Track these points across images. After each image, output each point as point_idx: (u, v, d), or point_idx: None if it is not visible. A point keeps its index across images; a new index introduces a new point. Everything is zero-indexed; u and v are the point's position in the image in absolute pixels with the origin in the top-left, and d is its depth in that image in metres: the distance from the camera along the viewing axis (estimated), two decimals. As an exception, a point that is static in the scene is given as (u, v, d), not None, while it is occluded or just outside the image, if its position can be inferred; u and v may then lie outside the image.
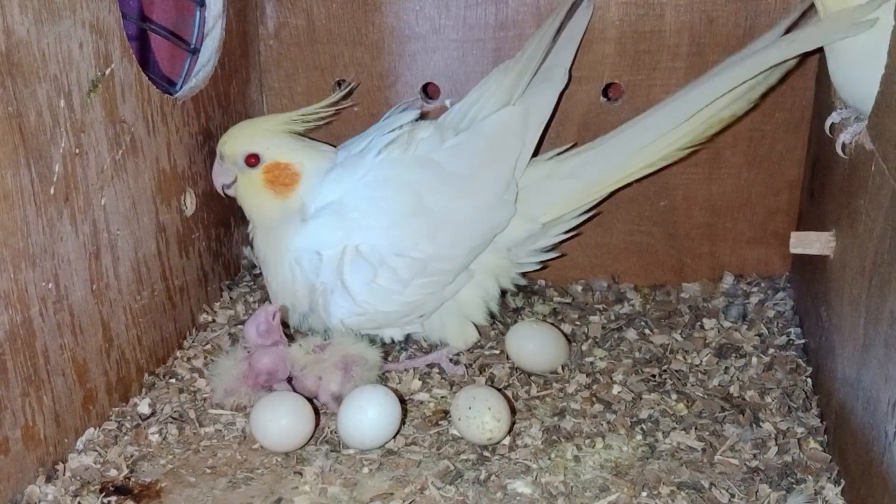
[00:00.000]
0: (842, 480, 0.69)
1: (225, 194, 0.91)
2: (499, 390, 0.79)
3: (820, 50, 0.92)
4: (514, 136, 0.88)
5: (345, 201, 0.85)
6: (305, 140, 0.90)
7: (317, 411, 0.78)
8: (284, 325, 0.86)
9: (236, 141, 0.87)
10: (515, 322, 0.92)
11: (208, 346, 0.90)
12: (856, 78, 0.70)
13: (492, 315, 0.92)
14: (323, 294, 0.85)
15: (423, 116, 0.96)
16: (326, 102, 0.89)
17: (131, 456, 0.74)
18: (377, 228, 0.84)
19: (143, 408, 0.79)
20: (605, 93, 0.98)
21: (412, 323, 0.88)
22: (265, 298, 0.96)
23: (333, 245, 0.84)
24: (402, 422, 0.77)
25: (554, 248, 0.95)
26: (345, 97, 0.94)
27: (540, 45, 0.90)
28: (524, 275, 0.95)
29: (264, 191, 0.87)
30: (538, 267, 0.96)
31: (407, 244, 0.84)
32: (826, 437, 0.75)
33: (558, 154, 0.92)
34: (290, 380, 0.82)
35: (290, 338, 0.85)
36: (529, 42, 0.92)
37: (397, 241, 0.84)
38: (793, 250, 0.78)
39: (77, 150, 0.70)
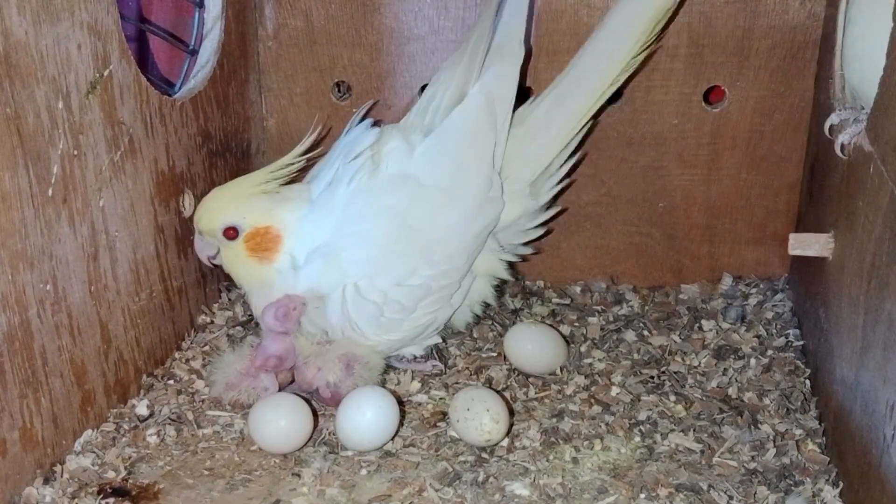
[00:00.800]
0: (840, 482, 0.69)
1: (212, 264, 0.88)
2: (497, 392, 0.79)
3: (820, 50, 0.92)
4: (484, 127, 0.85)
5: (332, 240, 0.82)
6: (279, 193, 0.85)
7: (315, 413, 0.78)
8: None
9: (211, 216, 0.83)
10: (514, 323, 0.92)
11: (207, 348, 0.89)
12: (873, 79, 0.69)
13: (488, 305, 0.93)
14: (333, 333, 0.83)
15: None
16: (297, 152, 0.86)
17: (129, 457, 0.74)
18: (370, 262, 0.82)
19: (142, 409, 0.79)
20: (603, 94, 0.98)
21: (430, 337, 0.87)
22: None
23: (333, 287, 0.82)
24: (401, 423, 0.77)
25: (543, 225, 0.94)
26: (310, 149, 0.88)
27: (483, 25, 0.87)
28: (522, 259, 0.95)
29: (248, 260, 0.83)
30: (531, 251, 0.95)
31: (404, 272, 0.82)
32: (824, 438, 0.75)
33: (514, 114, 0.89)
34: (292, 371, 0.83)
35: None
36: (472, 29, 0.90)
37: (394, 272, 0.82)
38: (791, 252, 0.78)
39: (75, 152, 0.70)
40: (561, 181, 0.92)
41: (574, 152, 0.92)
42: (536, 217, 0.92)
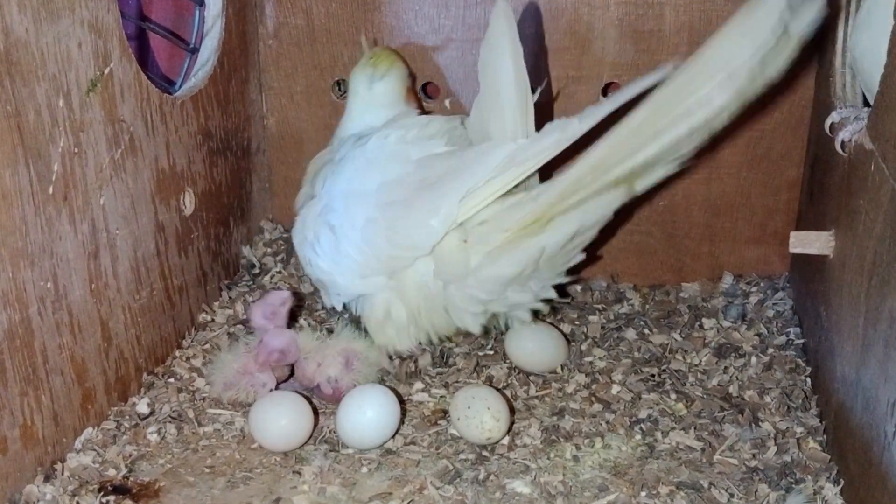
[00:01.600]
0: (841, 480, 0.69)
1: None
2: (498, 390, 0.79)
3: (820, 48, 0.92)
4: (485, 166, 0.76)
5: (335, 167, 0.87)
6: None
7: (316, 411, 0.78)
8: (293, 316, 0.87)
9: None
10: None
11: (207, 346, 0.89)
12: (877, 53, 0.68)
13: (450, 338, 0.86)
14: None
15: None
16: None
17: (130, 455, 0.74)
18: (330, 192, 0.85)
19: (142, 407, 0.79)
20: (604, 92, 0.98)
21: (335, 296, 0.86)
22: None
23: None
24: (401, 421, 0.77)
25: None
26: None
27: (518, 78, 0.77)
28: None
29: None
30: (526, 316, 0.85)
31: (334, 209, 0.83)
32: (825, 436, 0.75)
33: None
34: (292, 368, 0.83)
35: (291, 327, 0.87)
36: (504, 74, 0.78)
37: (330, 203, 0.84)
38: (792, 250, 0.78)
39: (76, 150, 0.70)
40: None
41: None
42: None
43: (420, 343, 0.85)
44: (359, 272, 0.82)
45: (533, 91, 0.79)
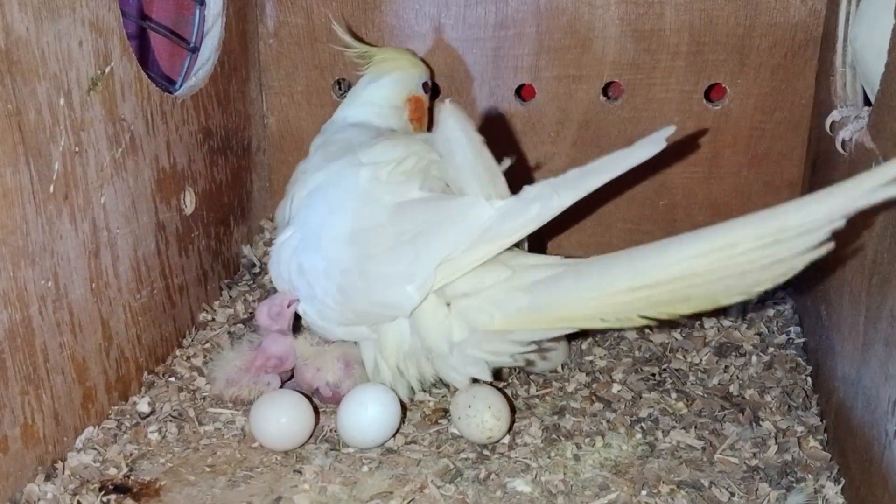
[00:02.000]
0: (842, 479, 0.69)
1: None
2: (498, 389, 0.79)
3: (821, 47, 0.92)
4: (462, 232, 0.71)
5: (310, 193, 0.83)
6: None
7: (316, 410, 0.78)
8: (297, 318, 0.86)
9: None
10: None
11: (208, 345, 0.89)
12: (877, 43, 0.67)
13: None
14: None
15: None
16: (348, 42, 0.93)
17: (131, 454, 0.74)
18: (303, 228, 0.81)
19: (143, 406, 0.79)
20: (604, 91, 0.98)
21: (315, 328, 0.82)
22: (264, 297, 0.96)
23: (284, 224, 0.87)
24: (402, 420, 0.77)
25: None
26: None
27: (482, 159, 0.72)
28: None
29: None
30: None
31: (307, 249, 0.79)
32: (826, 435, 0.75)
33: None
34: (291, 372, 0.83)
35: (297, 331, 0.86)
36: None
37: (303, 243, 0.80)
38: (793, 249, 0.78)
39: (76, 149, 0.70)
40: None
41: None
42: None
43: (413, 393, 0.81)
44: (336, 320, 0.79)
45: (499, 161, 0.74)
